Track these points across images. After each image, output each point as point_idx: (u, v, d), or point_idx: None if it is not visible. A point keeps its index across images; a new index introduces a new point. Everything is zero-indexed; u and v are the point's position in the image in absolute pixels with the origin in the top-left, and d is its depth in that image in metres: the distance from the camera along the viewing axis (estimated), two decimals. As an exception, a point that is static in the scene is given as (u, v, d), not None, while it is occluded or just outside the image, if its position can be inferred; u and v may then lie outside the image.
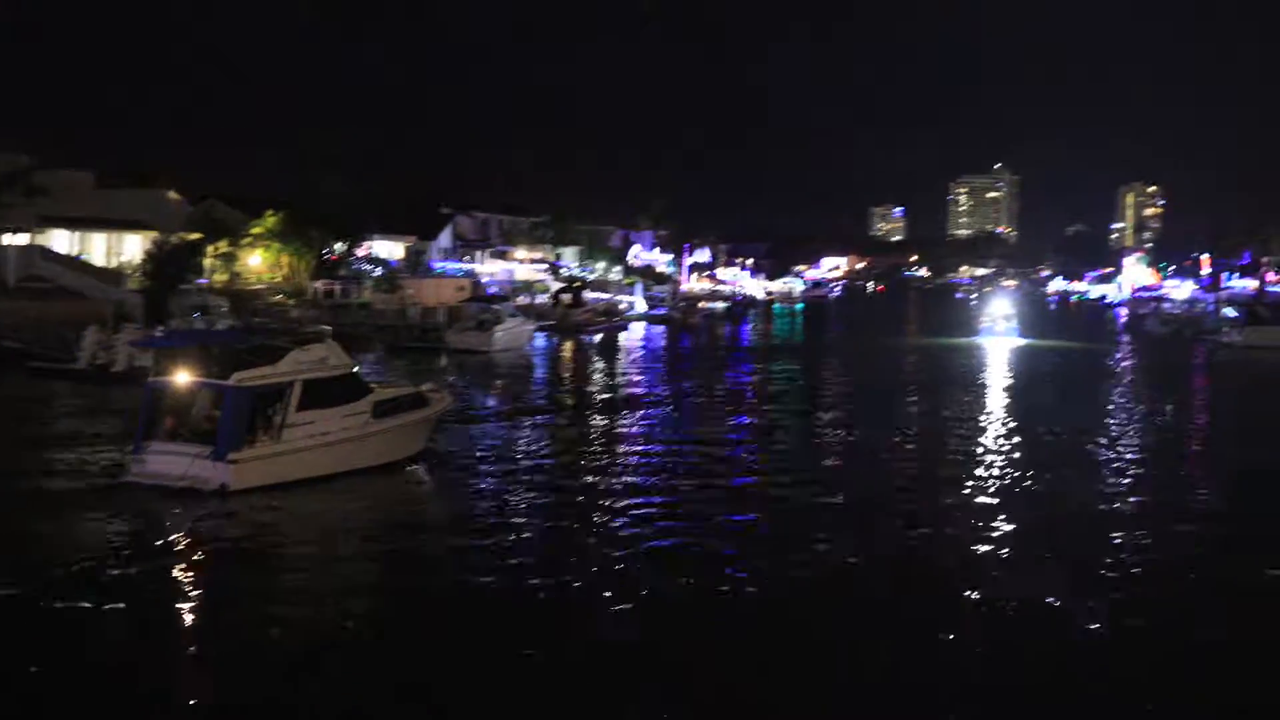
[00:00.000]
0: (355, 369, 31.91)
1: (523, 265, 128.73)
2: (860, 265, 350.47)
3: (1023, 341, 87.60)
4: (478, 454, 33.87)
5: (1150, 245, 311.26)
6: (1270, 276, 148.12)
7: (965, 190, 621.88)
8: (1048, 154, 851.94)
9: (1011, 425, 41.95)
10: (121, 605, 19.03)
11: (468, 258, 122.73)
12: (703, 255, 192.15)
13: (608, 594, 20.22)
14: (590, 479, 30.77)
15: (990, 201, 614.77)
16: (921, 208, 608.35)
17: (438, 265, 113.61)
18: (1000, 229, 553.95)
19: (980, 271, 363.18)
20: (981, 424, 42.11)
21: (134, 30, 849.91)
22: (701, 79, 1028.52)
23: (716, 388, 54.47)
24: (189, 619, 19.23)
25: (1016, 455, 35.29)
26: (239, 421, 27.40)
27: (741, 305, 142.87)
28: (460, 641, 18.16)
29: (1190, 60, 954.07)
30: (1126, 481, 31.61)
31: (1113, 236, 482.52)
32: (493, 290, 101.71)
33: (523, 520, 25.83)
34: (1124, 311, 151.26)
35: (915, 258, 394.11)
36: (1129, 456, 35.74)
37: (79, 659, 17.00)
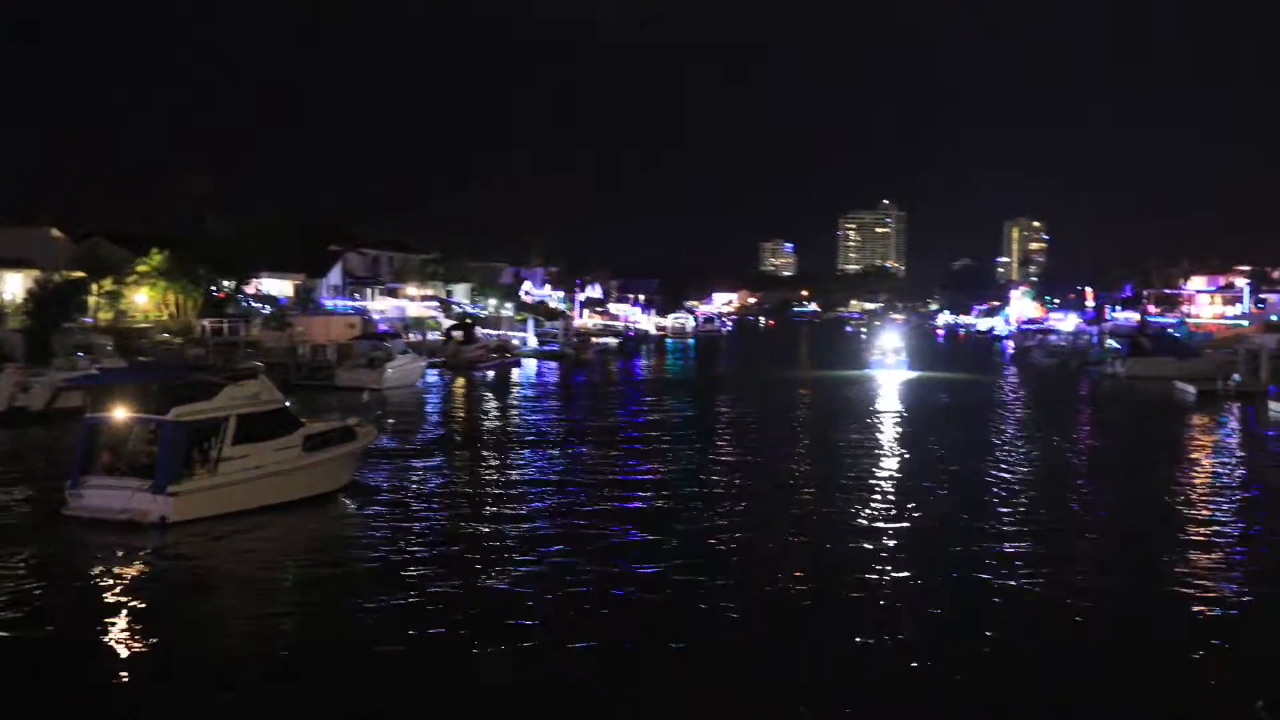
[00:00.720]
0: (286, 404, 32.47)
1: (414, 302, 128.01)
2: (752, 300, 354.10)
3: (912, 374, 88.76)
4: (390, 487, 34.13)
5: (1035, 279, 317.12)
6: (1151, 309, 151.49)
7: (854, 226, 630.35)
8: (935, 189, 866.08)
9: (900, 454, 42.53)
10: (71, 638, 19.30)
11: (358, 295, 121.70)
12: (595, 291, 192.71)
13: (539, 619, 20.77)
14: (500, 508, 31.34)
15: (879, 237, 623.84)
16: (811, 243, 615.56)
17: (328, 302, 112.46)
18: (889, 264, 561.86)
19: (869, 306, 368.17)
20: (869, 453, 42.50)
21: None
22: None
23: (610, 422, 54.42)
24: (136, 649, 19.18)
25: (904, 482, 35.88)
26: (177, 455, 28.01)
27: (634, 340, 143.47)
28: (408, 670, 18.26)
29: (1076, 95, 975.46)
30: (1007, 507, 32.14)
31: (999, 271, 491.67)
32: (384, 328, 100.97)
33: (449, 548, 26.35)
34: (1010, 344, 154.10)
35: (805, 292, 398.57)
36: (1010, 482, 36.32)
37: (22, 687, 17.29)
